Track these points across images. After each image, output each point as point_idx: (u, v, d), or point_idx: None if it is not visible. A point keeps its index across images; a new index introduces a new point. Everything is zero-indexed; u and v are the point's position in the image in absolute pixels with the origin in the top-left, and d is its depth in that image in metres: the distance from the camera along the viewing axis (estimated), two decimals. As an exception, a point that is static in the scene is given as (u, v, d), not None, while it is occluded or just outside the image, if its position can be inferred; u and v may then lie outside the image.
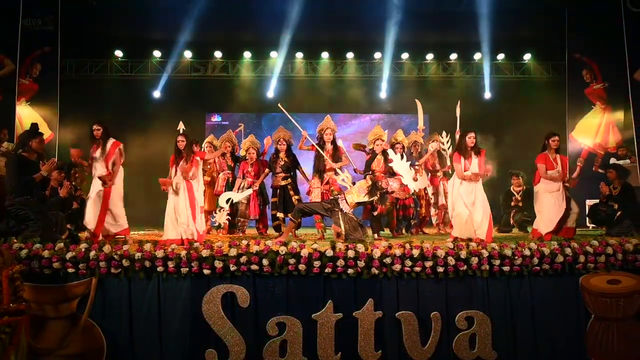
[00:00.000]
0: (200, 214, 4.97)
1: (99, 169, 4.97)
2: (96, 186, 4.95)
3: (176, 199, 4.90)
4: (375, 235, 5.70)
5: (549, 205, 5.16)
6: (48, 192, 5.08)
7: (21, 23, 7.74)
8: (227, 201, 5.78)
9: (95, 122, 5.08)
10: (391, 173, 5.71)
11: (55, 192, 5.40)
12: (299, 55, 10.37)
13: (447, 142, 7.19)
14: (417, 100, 6.78)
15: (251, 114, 10.93)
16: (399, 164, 5.26)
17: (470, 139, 5.15)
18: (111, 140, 5.06)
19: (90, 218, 4.89)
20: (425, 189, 6.90)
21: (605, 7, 8.30)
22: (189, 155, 5.01)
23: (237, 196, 5.93)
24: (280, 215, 6.07)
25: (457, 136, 5.62)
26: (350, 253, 3.94)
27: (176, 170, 4.97)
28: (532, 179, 5.42)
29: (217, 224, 6.05)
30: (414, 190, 5.87)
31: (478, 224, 4.96)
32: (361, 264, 3.94)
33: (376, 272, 3.97)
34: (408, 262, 3.97)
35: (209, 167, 6.60)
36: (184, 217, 4.83)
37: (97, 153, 5.00)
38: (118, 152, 5.05)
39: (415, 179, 5.27)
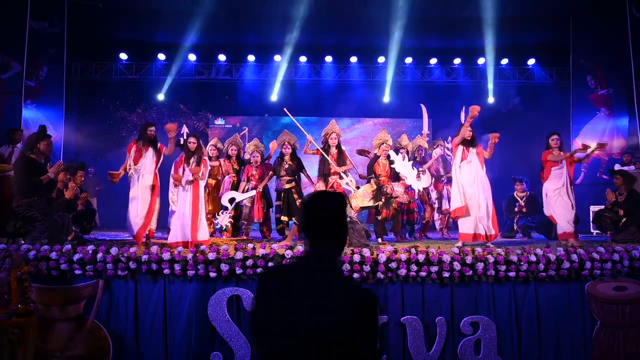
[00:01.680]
0: (203, 219, 5.04)
1: (148, 169, 5.09)
2: (144, 187, 5.06)
3: (183, 201, 4.95)
4: (380, 240, 5.70)
5: (559, 202, 5.27)
6: (54, 194, 5.11)
7: (28, 25, 7.77)
8: (230, 201, 5.81)
9: (150, 124, 5.25)
10: (395, 177, 5.73)
11: (60, 194, 5.43)
12: (303, 59, 10.40)
13: (451, 147, 7.20)
14: (422, 105, 6.80)
15: (255, 117, 10.96)
16: (401, 165, 5.28)
17: (469, 131, 5.26)
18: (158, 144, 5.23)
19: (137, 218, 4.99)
20: (428, 193, 6.91)
21: (611, 13, 8.30)
22: (199, 156, 5.10)
23: (240, 196, 5.95)
24: (284, 218, 6.08)
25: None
26: (356, 257, 3.95)
27: (184, 171, 5.05)
28: (541, 178, 5.51)
29: (219, 226, 6.06)
30: (419, 190, 5.88)
31: (483, 218, 5.00)
32: (367, 268, 3.95)
33: (381, 276, 3.97)
34: (414, 267, 3.97)
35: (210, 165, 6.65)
36: (187, 219, 4.89)
37: (148, 154, 5.11)
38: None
39: (418, 178, 5.30)
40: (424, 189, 6.59)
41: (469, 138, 5.26)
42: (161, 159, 5.25)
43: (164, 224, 6.67)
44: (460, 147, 5.27)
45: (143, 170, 5.07)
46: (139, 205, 4.99)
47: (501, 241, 6.19)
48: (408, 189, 5.72)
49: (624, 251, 4.16)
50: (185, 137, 6.34)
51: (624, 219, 5.53)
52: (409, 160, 5.68)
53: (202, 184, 5.08)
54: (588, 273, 4.10)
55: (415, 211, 6.47)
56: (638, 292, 4.07)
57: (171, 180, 5.83)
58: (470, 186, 5.14)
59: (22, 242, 4.05)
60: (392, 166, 5.56)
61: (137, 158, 5.10)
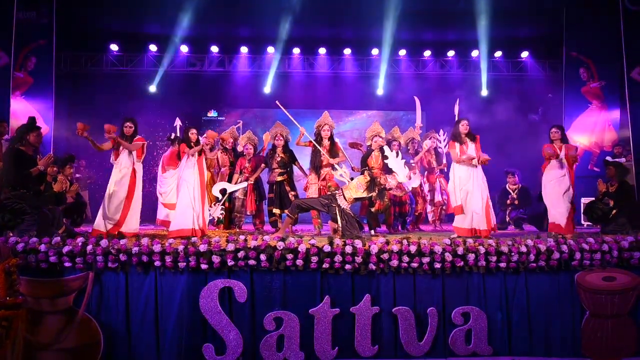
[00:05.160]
0: (206, 205, 5.14)
1: (125, 164, 5.00)
2: (123, 181, 4.97)
3: (190, 188, 4.98)
4: (372, 232, 5.71)
5: (556, 193, 5.22)
6: (43, 187, 5.05)
7: (16, 16, 7.62)
8: (222, 192, 5.79)
9: (128, 119, 5.16)
10: (388, 169, 5.73)
11: (49, 186, 5.36)
12: (296, 50, 10.32)
13: (444, 139, 7.21)
14: (415, 98, 6.78)
15: (247, 109, 10.89)
16: (394, 162, 5.28)
17: (464, 126, 5.27)
18: (138, 138, 5.12)
19: (114, 210, 4.90)
20: (421, 185, 6.92)
21: (604, 5, 8.30)
22: (195, 145, 5.21)
23: (231, 187, 5.93)
24: (276, 211, 6.08)
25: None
26: (348, 249, 3.95)
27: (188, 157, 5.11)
28: (542, 169, 5.47)
29: (211, 217, 6.04)
30: (408, 189, 5.90)
31: (478, 213, 5.01)
32: (359, 259, 3.96)
33: (373, 267, 3.98)
34: (405, 258, 3.99)
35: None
36: (198, 207, 4.96)
37: (125, 151, 5.02)
38: (141, 149, 5.14)
39: (408, 178, 5.29)
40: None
41: (466, 132, 5.27)
42: (142, 154, 5.16)
43: (152, 217, 6.65)
44: (457, 143, 5.25)
45: (121, 166, 4.99)
46: (115, 201, 4.91)
47: (493, 233, 6.22)
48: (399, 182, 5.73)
49: (613, 242, 4.20)
50: (177, 131, 6.30)
51: (614, 211, 5.57)
52: (399, 153, 5.67)
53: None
54: (578, 263, 4.13)
55: (407, 203, 6.48)
56: (626, 283, 4.12)
57: (159, 174, 5.82)
58: (467, 181, 5.14)
59: (11, 234, 4.00)
60: (386, 161, 5.56)
61: (117, 153, 5.05)
